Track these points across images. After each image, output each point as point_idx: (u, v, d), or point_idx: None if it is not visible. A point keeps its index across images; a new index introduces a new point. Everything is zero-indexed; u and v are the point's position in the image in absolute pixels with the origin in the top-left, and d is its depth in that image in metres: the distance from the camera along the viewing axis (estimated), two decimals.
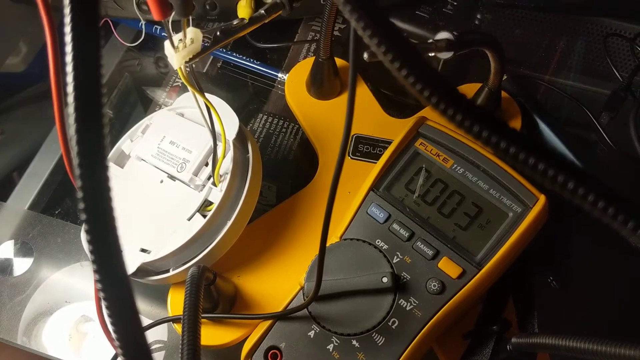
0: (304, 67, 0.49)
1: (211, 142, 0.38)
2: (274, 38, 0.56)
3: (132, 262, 0.37)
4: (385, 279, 0.35)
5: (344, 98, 0.48)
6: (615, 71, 0.52)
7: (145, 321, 0.39)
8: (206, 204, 0.39)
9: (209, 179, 0.40)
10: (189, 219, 0.38)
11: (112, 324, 0.17)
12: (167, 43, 0.32)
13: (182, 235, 0.37)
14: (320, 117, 0.47)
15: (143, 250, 0.38)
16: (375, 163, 0.40)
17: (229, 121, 0.40)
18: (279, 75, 0.54)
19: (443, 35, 0.35)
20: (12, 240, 0.46)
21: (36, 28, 0.58)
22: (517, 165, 0.17)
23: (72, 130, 0.16)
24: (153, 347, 0.41)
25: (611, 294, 0.42)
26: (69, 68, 0.16)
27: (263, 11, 0.36)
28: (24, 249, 0.45)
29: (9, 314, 0.42)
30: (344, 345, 0.35)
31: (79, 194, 0.16)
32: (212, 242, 0.38)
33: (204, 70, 0.56)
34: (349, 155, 0.45)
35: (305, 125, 0.47)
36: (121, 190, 0.41)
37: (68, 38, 0.16)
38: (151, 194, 0.40)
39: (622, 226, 0.16)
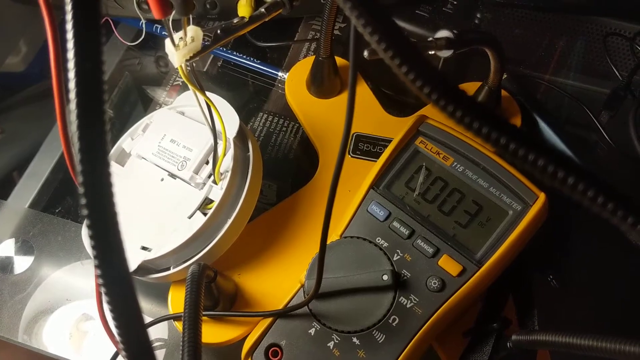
0: (304, 66, 0.49)
1: (212, 140, 0.38)
2: (275, 37, 0.56)
3: (132, 260, 0.37)
4: (385, 277, 0.35)
5: (344, 97, 0.48)
6: (615, 70, 0.52)
7: (146, 319, 0.39)
8: (207, 202, 0.39)
9: (209, 177, 0.40)
10: (190, 217, 0.38)
11: (114, 318, 0.17)
12: (167, 41, 0.32)
13: (183, 233, 0.37)
14: (320, 115, 0.47)
15: (144, 248, 0.38)
16: (376, 161, 0.40)
17: (230, 119, 0.40)
18: (279, 74, 0.54)
19: (443, 33, 0.35)
20: (13, 239, 0.46)
21: (36, 28, 0.58)
22: (516, 161, 0.17)
23: (74, 126, 0.16)
24: (154, 345, 0.41)
25: (612, 293, 0.43)
26: (71, 64, 0.16)
27: (263, 9, 0.36)
28: (24, 247, 0.45)
29: (10, 312, 0.43)
30: (345, 342, 0.35)
31: (81, 189, 0.16)
32: (212, 240, 0.38)
33: (205, 69, 0.56)
34: (349, 154, 0.45)
35: (306, 124, 0.47)
36: (122, 188, 0.41)
37: (70, 35, 0.16)
38: (152, 192, 0.40)
39: (621, 221, 0.16)
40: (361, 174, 0.40)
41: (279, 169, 0.49)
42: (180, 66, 0.33)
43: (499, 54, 0.40)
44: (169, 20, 0.30)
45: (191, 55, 0.32)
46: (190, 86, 0.34)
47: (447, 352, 0.37)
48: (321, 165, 0.45)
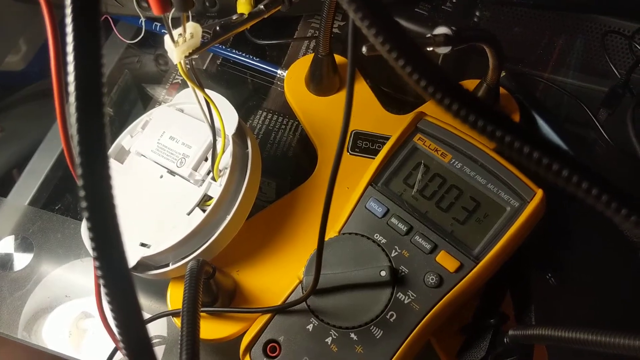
0: (303, 64, 0.49)
1: (210, 138, 0.38)
2: (274, 35, 0.56)
3: (131, 256, 0.37)
4: (383, 273, 0.35)
5: (343, 94, 0.48)
6: (613, 68, 0.52)
7: (145, 316, 0.39)
8: (205, 198, 0.39)
9: (208, 174, 0.40)
10: (189, 214, 0.38)
11: (113, 313, 0.18)
12: (166, 38, 0.32)
13: (182, 229, 0.37)
14: (319, 113, 0.47)
15: (143, 245, 0.39)
16: (374, 159, 0.40)
17: (229, 116, 0.40)
18: (279, 71, 0.54)
19: (441, 30, 0.35)
20: (13, 236, 0.46)
21: (36, 26, 0.59)
22: (512, 154, 0.17)
23: (73, 119, 0.17)
24: (153, 342, 0.41)
25: (611, 290, 0.43)
26: (70, 58, 0.16)
27: (262, 7, 0.36)
28: (24, 244, 0.45)
29: (9, 308, 0.43)
30: (342, 338, 0.35)
31: (80, 182, 0.17)
32: (211, 236, 0.38)
33: (204, 67, 0.56)
34: (347, 151, 0.45)
35: (305, 122, 0.47)
36: (121, 185, 0.41)
37: (69, 34, 0.16)
38: (151, 189, 0.41)
39: (615, 213, 0.16)
40: (360, 171, 0.40)
41: (278, 167, 0.49)
42: (180, 63, 0.33)
43: (497, 51, 0.40)
44: (168, 16, 0.30)
45: (190, 51, 0.33)
46: (189, 83, 0.35)
47: (444, 347, 0.37)
48: (320, 163, 0.45)
